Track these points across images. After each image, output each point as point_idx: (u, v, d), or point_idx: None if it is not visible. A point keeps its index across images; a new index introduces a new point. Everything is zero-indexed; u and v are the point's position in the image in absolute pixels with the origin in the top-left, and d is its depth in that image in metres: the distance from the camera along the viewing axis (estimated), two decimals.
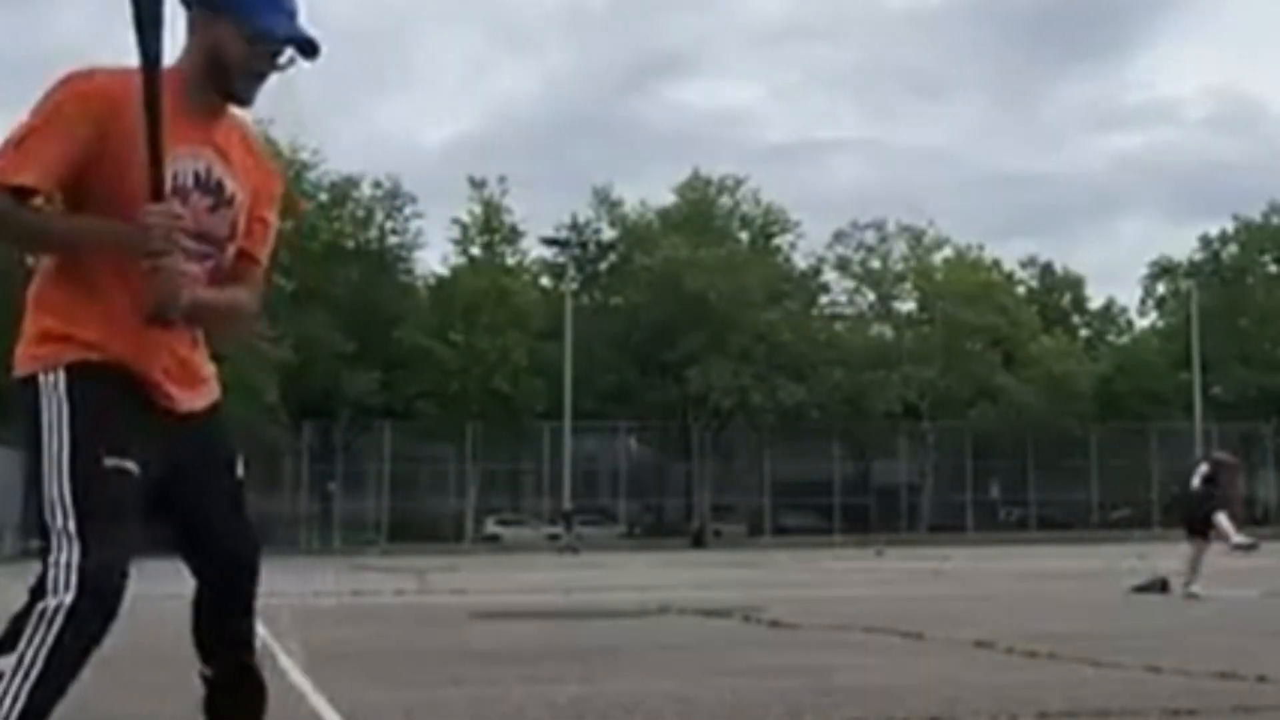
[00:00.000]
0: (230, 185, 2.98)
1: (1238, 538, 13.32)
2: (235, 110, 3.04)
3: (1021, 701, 5.17)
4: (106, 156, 2.82)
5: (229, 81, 2.93)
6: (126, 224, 2.80)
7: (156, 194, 2.79)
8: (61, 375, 2.82)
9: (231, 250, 3.03)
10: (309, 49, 2.95)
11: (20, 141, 2.81)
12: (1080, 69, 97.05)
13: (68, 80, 2.86)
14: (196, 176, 2.92)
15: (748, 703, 5.36)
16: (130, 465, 2.79)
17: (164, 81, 2.80)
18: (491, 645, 8.44)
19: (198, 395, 3.02)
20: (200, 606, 3.12)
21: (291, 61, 2.96)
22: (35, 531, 2.80)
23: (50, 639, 2.63)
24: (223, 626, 3.13)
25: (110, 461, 2.76)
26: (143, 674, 6.09)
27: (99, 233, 2.85)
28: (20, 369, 2.87)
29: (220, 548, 3.07)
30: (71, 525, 2.71)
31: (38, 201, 2.84)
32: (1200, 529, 13.87)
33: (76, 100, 2.83)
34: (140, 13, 2.75)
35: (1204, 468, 14.42)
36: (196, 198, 2.91)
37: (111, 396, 2.82)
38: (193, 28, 2.94)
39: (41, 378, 2.83)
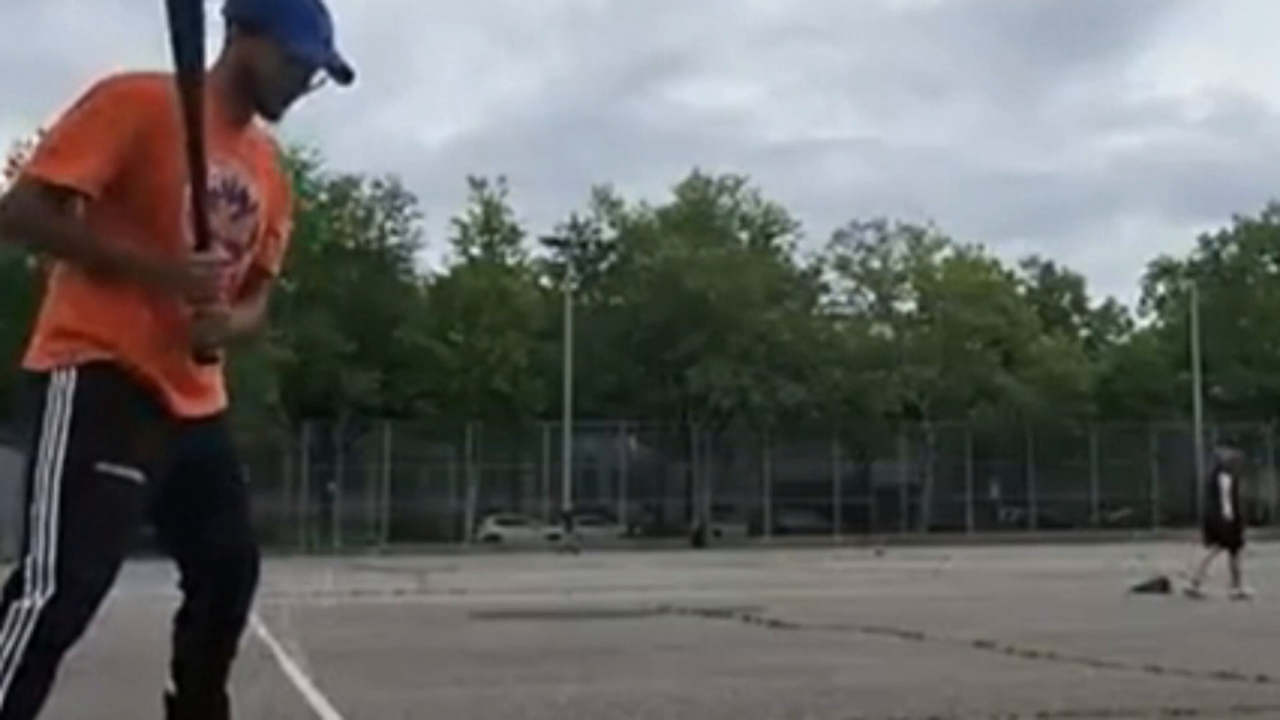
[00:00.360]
0: (254, 194, 3.05)
1: (1248, 589, 13.26)
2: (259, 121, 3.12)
3: (1021, 701, 5.17)
4: (142, 160, 2.85)
5: (261, 97, 3.01)
6: (171, 263, 2.85)
7: (202, 242, 2.85)
8: (73, 375, 2.83)
9: (249, 257, 3.09)
10: (344, 76, 3.04)
11: (60, 143, 2.84)
12: (1080, 69, 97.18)
13: (107, 83, 2.89)
14: (224, 184, 2.96)
15: (748, 703, 5.36)
16: (132, 473, 2.80)
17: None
18: (491, 645, 8.45)
19: (205, 403, 3.04)
20: (187, 618, 3.10)
21: (322, 84, 3.05)
22: (21, 529, 2.80)
23: (26, 638, 2.65)
24: (213, 637, 3.10)
25: (105, 467, 2.77)
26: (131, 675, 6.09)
27: (141, 266, 2.87)
28: (34, 363, 2.89)
29: (223, 552, 3.07)
30: (55, 527, 2.72)
31: (74, 203, 2.86)
32: (1221, 536, 13.87)
33: (116, 103, 2.86)
34: (181, 59, 2.79)
35: (1226, 480, 14.40)
36: (224, 205, 2.96)
37: (119, 400, 2.84)
38: (230, 41, 3.01)
39: (54, 376, 2.84)
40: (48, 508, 2.73)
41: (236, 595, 3.09)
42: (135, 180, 2.85)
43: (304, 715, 5.31)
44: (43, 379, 2.84)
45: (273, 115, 3.06)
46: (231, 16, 3.00)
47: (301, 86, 3.03)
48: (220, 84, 2.97)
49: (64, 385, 2.82)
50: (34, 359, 2.89)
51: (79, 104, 2.87)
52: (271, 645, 7.99)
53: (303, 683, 6.22)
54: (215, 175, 2.92)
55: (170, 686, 3.11)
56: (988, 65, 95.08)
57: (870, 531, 49.33)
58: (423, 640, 9.10)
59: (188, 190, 2.85)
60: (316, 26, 3.01)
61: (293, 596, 13.87)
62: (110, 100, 2.86)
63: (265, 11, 2.97)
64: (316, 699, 5.66)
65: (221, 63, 3.00)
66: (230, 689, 3.15)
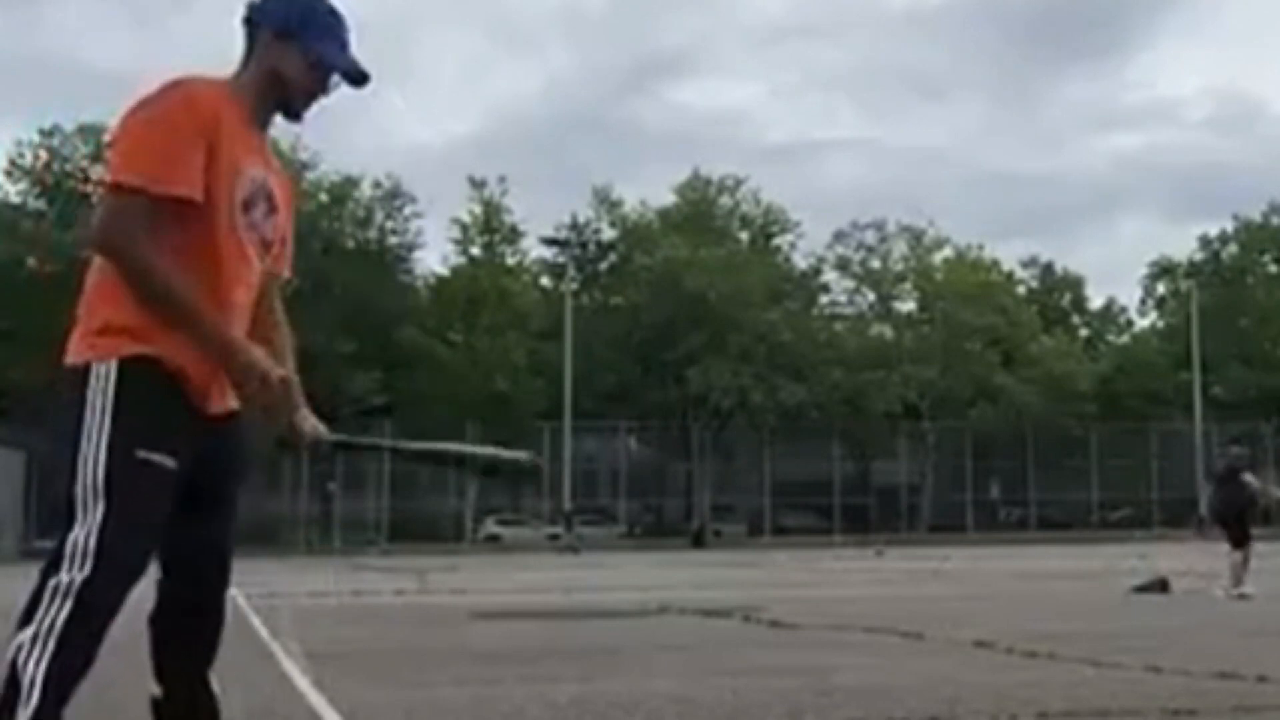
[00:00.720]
0: (277, 193, 3.16)
1: (1249, 589, 13.30)
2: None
3: (1021, 701, 5.18)
4: (206, 166, 2.92)
5: (288, 99, 3.14)
6: (251, 368, 2.95)
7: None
8: (114, 365, 2.88)
9: (275, 252, 3.20)
10: (359, 79, 3.19)
11: (155, 151, 2.88)
12: (1080, 69, 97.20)
13: (178, 86, 2.95)
14: (260, 186, 3.07)
15: (748, 703, 5.36)
16: (168, 460, 2.88)
17: (231, 96, 3.01)
18: (491, 645, 8.45)
19: (227, 400, 3.10)
20: (163, 616, 3.10)
21: (337, 87, 3.19)
22: (59, 514, 2.86)
23: (65, 612, 2.72)
24: (190, 638, 3.10)
25: (146, 454, 2.85)
26: None
27: (231, 358, 2.95)
28: (75, 358, 2.93)
29: (199, 551, 3.10)
30: (100, 508, 2.79)
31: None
32: (1235, 534, 13.91)
33: (189, 108, 2.93)
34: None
35: (1250, 477, 14.43)
36: (262, 204, 3.07)
37: (158, 391, 2.90)
38: (256, 47, 3.12)
39: (95, 366, 2.90)
40: (91, 490, 2.81)
41: (205, 595, 3.11)
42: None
43: (304, 715, 5.31)
44: (83, 371, 2.90)
45: (297, 116, 3.18)
46: (260, 23, 3.11)
47: (324, 89, 3.17)
48: (248, 87, 3.08)
49: (106, 375, 2.88)
50: (74, 354, 2.94)
51: (154, 110, 2.91)
52: (271, 645, 7.99)
53: (303, 683, 6.22)
54: (255, 177, 3.04)
55: (155, 690, 3.11)
56: (988, 65, 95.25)
57: (870, 531, 49.33)
58: (423, 640, 9.10)
59: (234, 205, 2.97)
60: (336, 33, 3.16)
61: (293, 596, 13.87)
62: (188, 105, 2.92)
63: (294, 18, 3.09)
64: (316, 699, 5.66)
65: (249, 69, 3.11)
66: (218, 687, 3.14)
